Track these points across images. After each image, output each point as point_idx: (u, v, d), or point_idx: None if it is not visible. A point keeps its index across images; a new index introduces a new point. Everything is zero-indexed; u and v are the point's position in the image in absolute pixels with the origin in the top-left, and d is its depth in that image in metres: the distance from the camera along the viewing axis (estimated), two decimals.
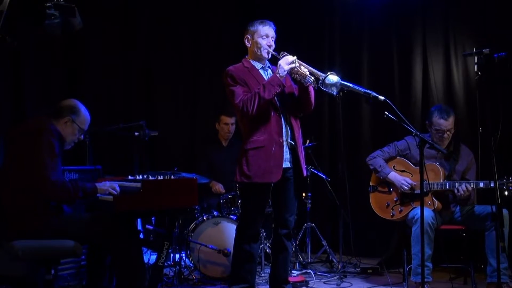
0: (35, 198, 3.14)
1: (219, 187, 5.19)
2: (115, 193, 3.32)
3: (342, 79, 3.45)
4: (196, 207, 4.69)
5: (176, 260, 4.45)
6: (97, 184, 3.34)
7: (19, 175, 3.18)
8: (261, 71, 3.71)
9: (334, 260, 5.10)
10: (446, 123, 4.24)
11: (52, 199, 3.20)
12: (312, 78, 3.50)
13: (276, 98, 3.58)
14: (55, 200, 3.23)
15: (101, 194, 3.34)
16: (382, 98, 3.33)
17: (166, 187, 3.42)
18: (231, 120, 5.33)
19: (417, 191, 4.13)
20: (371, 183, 4.51)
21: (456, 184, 4.12)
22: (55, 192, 3.14)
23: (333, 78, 3.44)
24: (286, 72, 3.52)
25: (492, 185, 3.87)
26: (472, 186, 4.08)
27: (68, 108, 3.40)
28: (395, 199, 4.35)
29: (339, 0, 5.89)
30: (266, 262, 4.68)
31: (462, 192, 4.07)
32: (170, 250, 4.07)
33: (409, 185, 4.25)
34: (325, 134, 5.98)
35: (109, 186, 3.32)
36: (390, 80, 5.59)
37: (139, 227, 4.76)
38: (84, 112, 3.45)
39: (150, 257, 4.55)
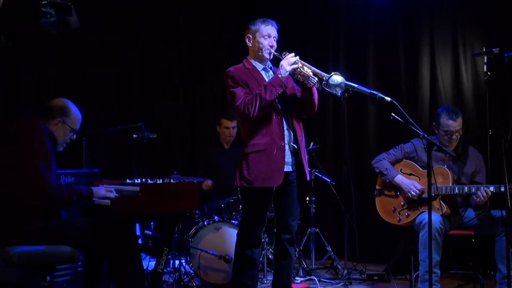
0: (29, 201, 3.07)
1: (207, 182, 5.14)
2: (112, 195, 3.31)
3: (347, 80, 3.39)
4: (197, 211, 4.62)
5: (176, 266, 4.40)
6: (93, 188, 3.31)
7: (12, 178, 3.11)
8: (262, 73, 3.65)
9: (339, 266, 5.05)
10: (454, 124, 4.17)
11: (46, 202, 3.12)
12: (316, 78, 3.43)
13: (277, 100, 3.51)
14: (49, 203, 3.15)
15: (97, 198, 3.32)
16: (388, 99, 3.25)
17: (166, 191, 3.36)
18: (233, 123, 5.24)
19: (425, 195, 4.04)
20: (377, 187, 4.45)
21: (473, 188, 4.02)
22: (50, 194, 3.08)
23: (337, 78, 3.36)
24: (288, 72, 3.45)
25: (502, 189, 3.77)
26: (491, 190, 3.98)
27: (58, 109, 3.34)
28: (402, 203, 4.27)
29: None
30: (268, 268, 4.64)
31: (482, 198, 3.96)
32: (169, 256, 4.03)
33: (417, 191, 4.16)
34: (329, 136, 5.92)
35: (104, 192, 3.33)
36: (397, 81, 5.54)
37: (138, 232, 4.75)
38: (75, 111, 3.40)
39: (149, 263, 4.52)
